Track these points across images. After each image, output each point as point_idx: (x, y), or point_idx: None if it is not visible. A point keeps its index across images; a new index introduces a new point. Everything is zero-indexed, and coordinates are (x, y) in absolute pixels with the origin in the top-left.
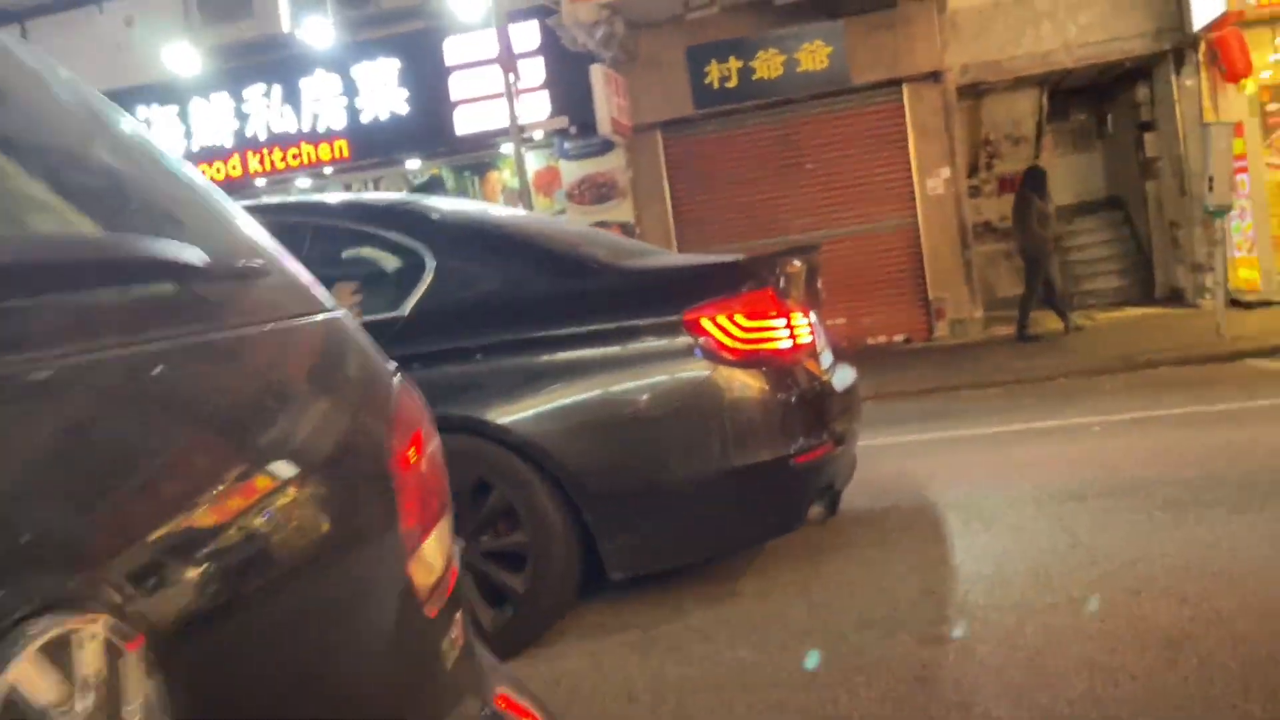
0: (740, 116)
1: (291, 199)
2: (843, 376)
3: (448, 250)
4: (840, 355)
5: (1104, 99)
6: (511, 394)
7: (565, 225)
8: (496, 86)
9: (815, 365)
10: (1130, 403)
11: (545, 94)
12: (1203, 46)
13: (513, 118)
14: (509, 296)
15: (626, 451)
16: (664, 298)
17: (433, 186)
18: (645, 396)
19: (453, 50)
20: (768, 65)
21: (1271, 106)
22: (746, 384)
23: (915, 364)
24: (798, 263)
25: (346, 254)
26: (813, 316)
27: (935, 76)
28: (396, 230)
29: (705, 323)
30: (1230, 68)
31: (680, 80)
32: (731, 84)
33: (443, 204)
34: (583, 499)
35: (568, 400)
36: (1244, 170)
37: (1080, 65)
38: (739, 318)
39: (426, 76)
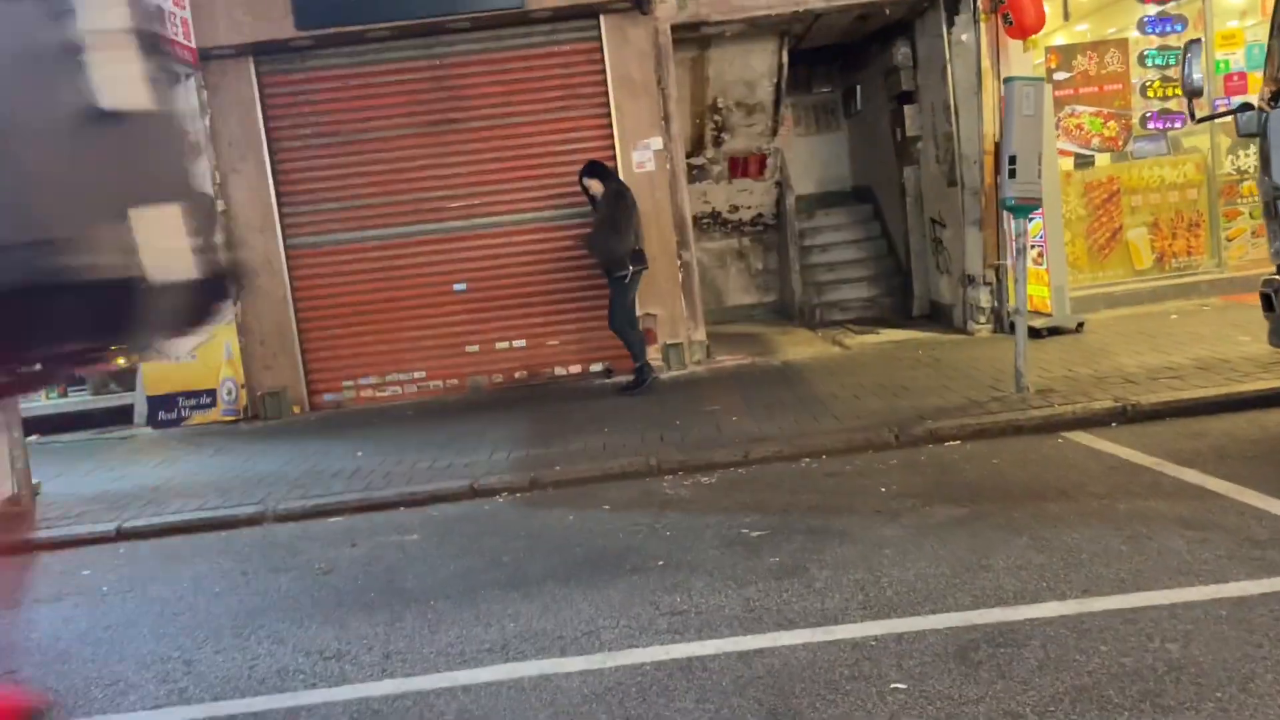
0: (375, 48)
1: None
2: None
3: None
4: None
5: (853, 67)
6: None
7: None
8: None
9: None
10: (943, 544)
11: None
12: None
13: None
14: None
15: None
16: None
17: None
18: None
19: None
20: None
21: (1059, 76)
22: None
23: (606, 417)
24: None
25: None
26: None
27: (641, 6)
28: None
29: None
30: (1019, 18)
31: None
32: None
33: None
34: None
35: None
36: None
37: (830, 6)
38: None
39: None
